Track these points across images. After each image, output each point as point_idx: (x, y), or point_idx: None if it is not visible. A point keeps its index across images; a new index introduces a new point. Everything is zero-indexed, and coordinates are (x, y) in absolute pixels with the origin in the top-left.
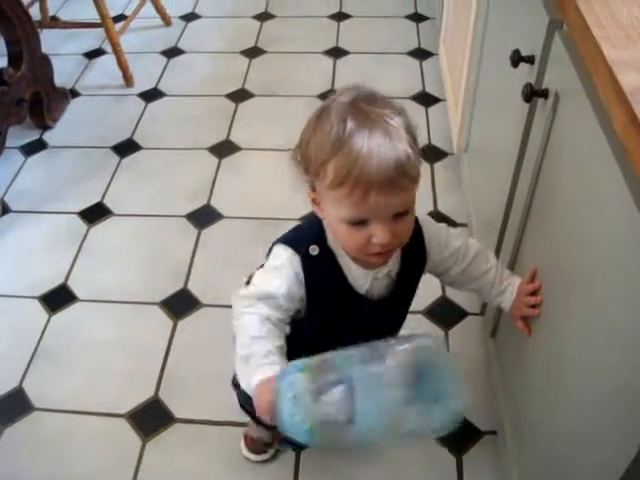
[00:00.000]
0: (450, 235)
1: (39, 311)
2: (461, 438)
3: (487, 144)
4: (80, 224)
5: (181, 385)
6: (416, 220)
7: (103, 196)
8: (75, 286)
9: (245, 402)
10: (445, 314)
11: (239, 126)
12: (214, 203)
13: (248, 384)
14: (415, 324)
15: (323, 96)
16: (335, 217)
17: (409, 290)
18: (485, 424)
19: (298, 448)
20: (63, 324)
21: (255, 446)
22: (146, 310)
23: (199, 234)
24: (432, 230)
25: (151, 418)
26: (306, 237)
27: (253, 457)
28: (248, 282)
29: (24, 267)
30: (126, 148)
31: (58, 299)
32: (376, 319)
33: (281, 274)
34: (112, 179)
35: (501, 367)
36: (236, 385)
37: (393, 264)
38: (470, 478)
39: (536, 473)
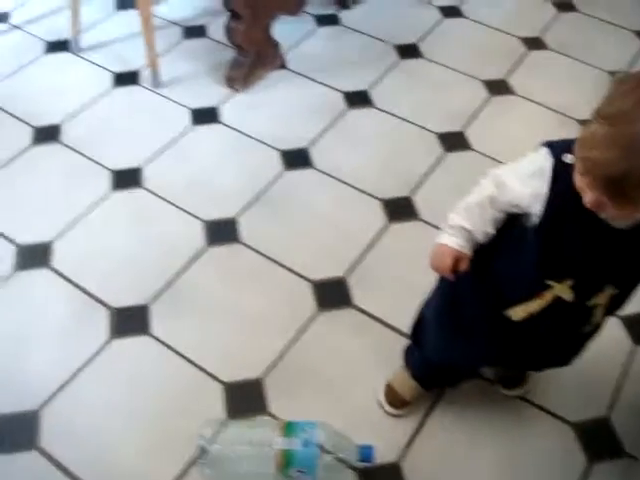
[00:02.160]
0: None
1: (276, 163)
2: (603, 447)
3: None
4: (342, 103)
5: (370, 279)
6: None
7: (371, 87)
8: (315, 154)
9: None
10: None
11: (522, 72)
12: (468, 134)
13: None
14: (607, 328)
15: (613, 74)
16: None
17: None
18: (633, 448)
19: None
20: (293, 182)
21: (393, 399)
22: (368, 202)
23: (443, 155)
24: None
25: (332, 294)
26: (567, 144)
27: (387, 408)
28: None
29: (279, 121)
30: (408, 52)
31: (296, 159)
32: (608, 251)
33: (527, 175)
34: (385, 75)
35: None
36: (413, 338)
37: None
38: None
39: None
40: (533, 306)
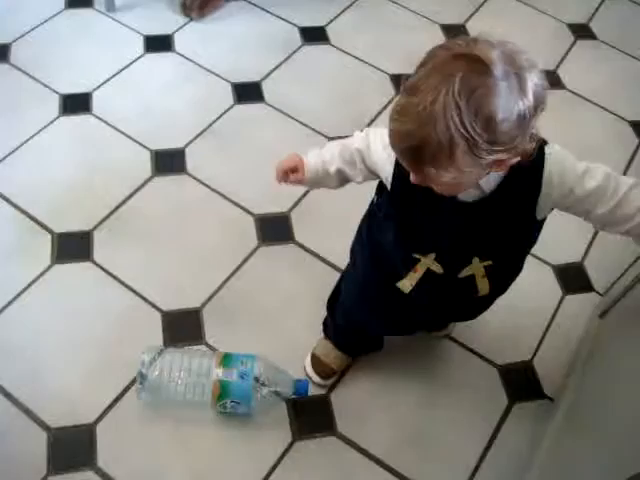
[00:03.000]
0: (585, 174)
1: (227, 96)
2: (524, 389)
3: None
4: (297, 38)
5: (313, 216)
6: (541, 148)
7: (328, 23)
8: (266, 89)
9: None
10: (572, 280)
11: (481, 18)
12: None
13: None
14: (539, 277)
15: (575, 27)
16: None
17: (504, 218)
18: (550, 390)
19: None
20: (243, 116)
21: (321, 369)
22: (316, 139)
23: (394, 97)
24: (558, 166)
25: (275, 229)
26: None
27: (315, 379)
28: None
29: (233, 53)
30: None
31: (247, 93)
32: (459, 225)
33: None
34: (343, 12)
35: (596, 348)
36: (328, 307)
37: (487, 181)
38: (509, 426)
39: (565, 453)
40: (413, 278)
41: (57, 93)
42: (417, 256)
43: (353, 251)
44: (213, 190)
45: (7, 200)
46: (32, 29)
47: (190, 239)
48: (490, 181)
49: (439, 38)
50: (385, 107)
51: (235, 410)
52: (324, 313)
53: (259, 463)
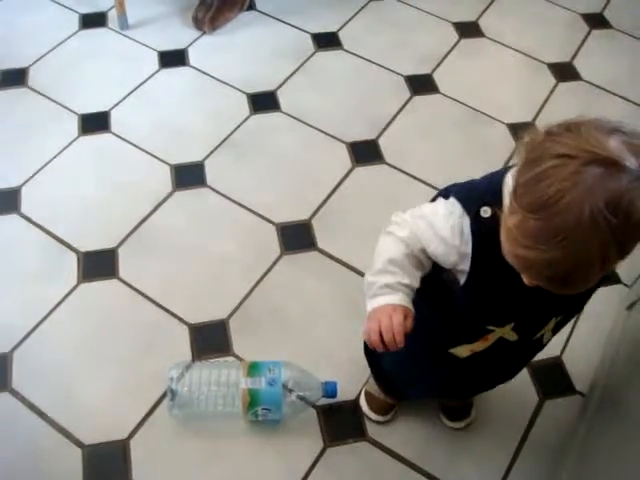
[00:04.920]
0: None
1: (243, 106)
2: (554, 385)
3: None
4: (309, 45)
5: (334, 222)
6: None
7: (340, 28)
8: (282, 97)
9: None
10: None
11: (492, 14)
12: (436, 76)
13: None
14: None
15: (589, 17)
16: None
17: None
18: (581, 384)
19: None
20: (258, 125)
21: (377, 406)
22: (334, 145)
23: (410, 99)
24: None
25: (297, 237)
26: (478, 195)
27: (374, 417)
28: None
29: (247, 63)
30: None
31: (263, 103)
32: (546, 294)
33: (448, 236)
34: (354, 16)
35: (622, 340)
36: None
37: None
38: (541, 423)
39: (599, 447)
40: (477, 346)
41: (75, 113)
42: (491, 327)
43: None
44: (233, 201)
45: (32, 222)
46: (48, 52)
47: (213, 251)
48: None
49: (452, 36)
50: (401, 109)
51: (266, 417)
52: (349, 319)
53: (292, 472)
